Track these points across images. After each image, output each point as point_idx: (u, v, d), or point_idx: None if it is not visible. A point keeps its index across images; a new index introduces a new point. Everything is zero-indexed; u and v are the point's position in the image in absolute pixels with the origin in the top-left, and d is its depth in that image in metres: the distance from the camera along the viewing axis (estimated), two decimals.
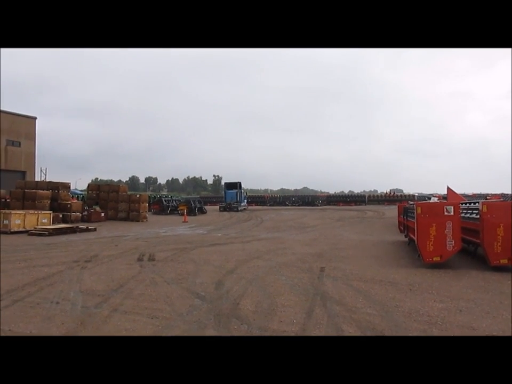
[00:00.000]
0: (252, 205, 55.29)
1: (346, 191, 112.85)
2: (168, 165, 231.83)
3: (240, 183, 42.18)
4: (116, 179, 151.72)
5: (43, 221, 18.48)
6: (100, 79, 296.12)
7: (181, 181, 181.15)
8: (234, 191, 41.25)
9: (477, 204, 9.81)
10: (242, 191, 44.32)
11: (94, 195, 26.50)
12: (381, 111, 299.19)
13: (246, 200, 45.09)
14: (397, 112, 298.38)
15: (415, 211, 8.98)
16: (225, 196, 41.92)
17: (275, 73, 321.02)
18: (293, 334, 4.70)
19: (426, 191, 70.75)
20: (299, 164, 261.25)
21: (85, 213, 23.32)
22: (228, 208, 39.13)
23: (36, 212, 18.54)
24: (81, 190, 47.20)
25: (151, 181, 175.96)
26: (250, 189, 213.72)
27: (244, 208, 42.08)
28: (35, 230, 16.47)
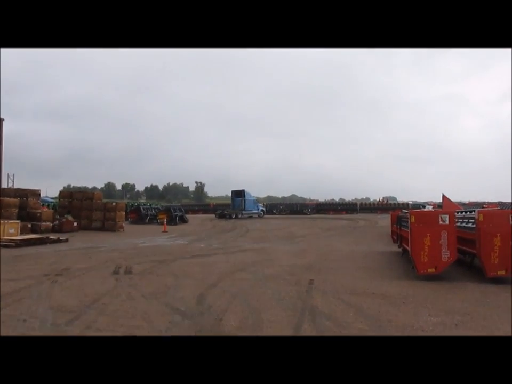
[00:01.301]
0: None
1: (336, 199, 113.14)
2: (147, 171, 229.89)
3: (243, 190, 45.24)
4: (90, 186, 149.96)
5: (10, 231, 18.17)
6: (73, 79, 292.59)
7: (160, 187, 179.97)
8: (251, 198, 45.27)
9: (473, 212, 9.96)
10: (254, 198, 48.25)
11: (66, 203, 26.17)
12: (372, 115, 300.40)
13: (259, 207, 47.70)
14: (388, 116, 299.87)
15: (408, 220, 9.07)
16: (233, 204, 45.82)
17: (261, 76, 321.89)
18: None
19: (420, 199, 71.42)
20: (287, 170, 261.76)
21: (56, 222, 22.99)
22: (222, 215, 42.12)
23: (1, 222, 18.22)
24: (52, 198, 46.61)
25: (128, 188, 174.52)
26: None
27: (259, 215, 45.93)
28: (1, 241, 16.18)
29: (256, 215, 45.19)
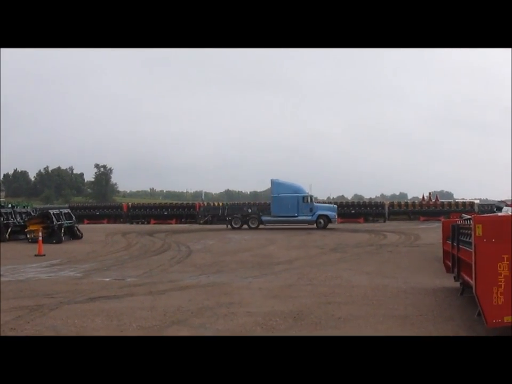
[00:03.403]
0: (165, 222, 57.57)
1: (349, 197, 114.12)
2: (6, 147, 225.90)
3: (271, 181, 46.18)
4: None
5: None
6: None
7: (31, 175, 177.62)
8: (289, 194, 44.47)
9: None
10: (310, 195, 46.71)
11: None
12: (406, 50, 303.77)
13: (316, 210, 45.68)
14: (435, 52, 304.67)
15: (472, 232, 9.17)
16: (275, 204, 45.21)
17: None
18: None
19: (493, 196, 72.70)
20: (260, 144, 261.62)
21: None
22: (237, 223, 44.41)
23: None
24: None
25: None
26: (167, 191, 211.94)
27: (318, 224, 44.31)
28: None
29: (306, 224, 44.57)
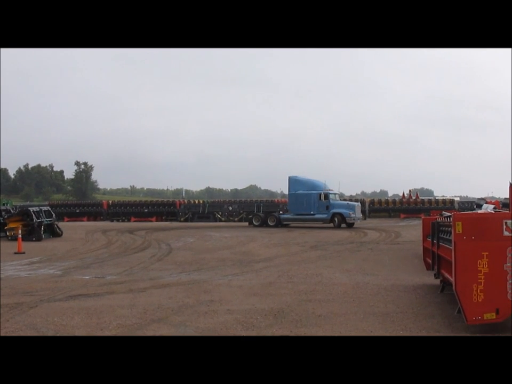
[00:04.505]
0: (145, 220, 57.55)
1: None
2: None
3: (289, 178, 44.63)
4: None
5: None
6: None
7: (11, 172, 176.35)
8: (305, 192, 43.25)
9: None
10: (326, 193, 43.93)
11: None
12: (385, 49, 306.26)
13: (332, 206, 43.30)
14: (414, 51, 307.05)
15: (452, 229, 9.17)
16: (292, 202, 44.48)
17: None
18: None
19: (474, 193, 73.26)
20: (239, 142, 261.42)
21: None
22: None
23: None
24: None
25: None
26: (147, 189, 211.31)
27: (335, 223, 42.22)
28: None
29: (322, 222, 42.98)
